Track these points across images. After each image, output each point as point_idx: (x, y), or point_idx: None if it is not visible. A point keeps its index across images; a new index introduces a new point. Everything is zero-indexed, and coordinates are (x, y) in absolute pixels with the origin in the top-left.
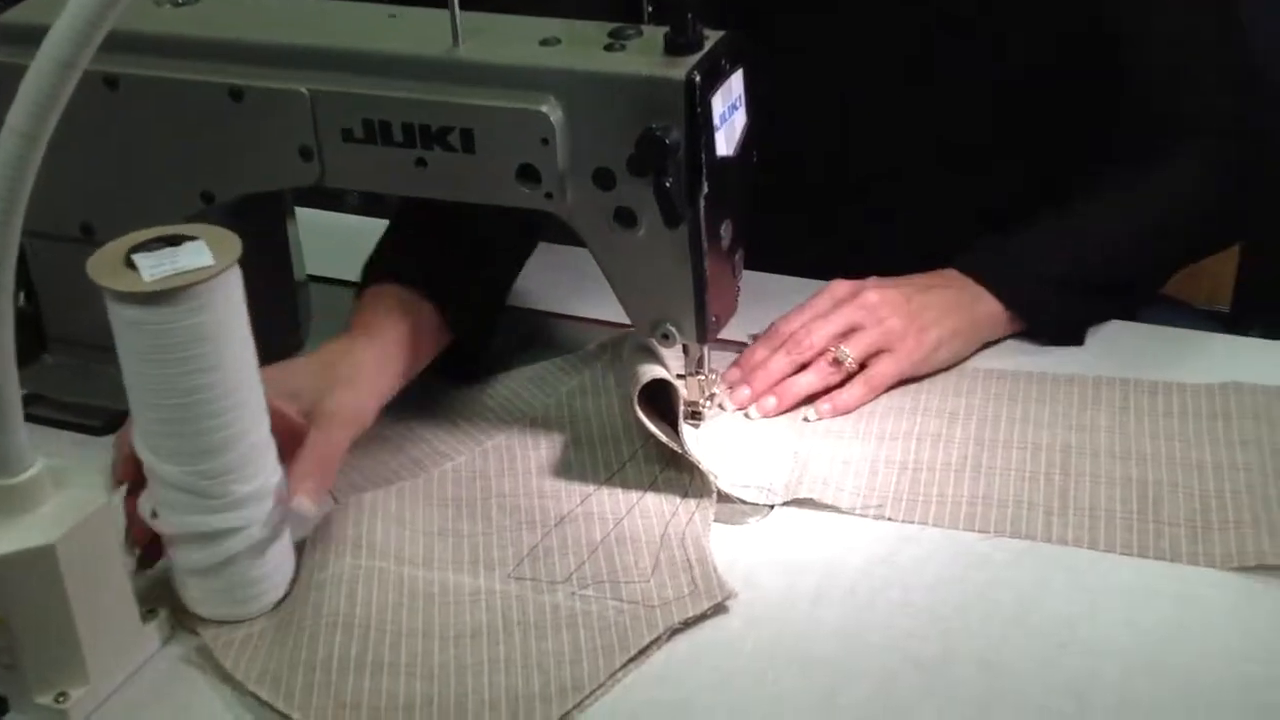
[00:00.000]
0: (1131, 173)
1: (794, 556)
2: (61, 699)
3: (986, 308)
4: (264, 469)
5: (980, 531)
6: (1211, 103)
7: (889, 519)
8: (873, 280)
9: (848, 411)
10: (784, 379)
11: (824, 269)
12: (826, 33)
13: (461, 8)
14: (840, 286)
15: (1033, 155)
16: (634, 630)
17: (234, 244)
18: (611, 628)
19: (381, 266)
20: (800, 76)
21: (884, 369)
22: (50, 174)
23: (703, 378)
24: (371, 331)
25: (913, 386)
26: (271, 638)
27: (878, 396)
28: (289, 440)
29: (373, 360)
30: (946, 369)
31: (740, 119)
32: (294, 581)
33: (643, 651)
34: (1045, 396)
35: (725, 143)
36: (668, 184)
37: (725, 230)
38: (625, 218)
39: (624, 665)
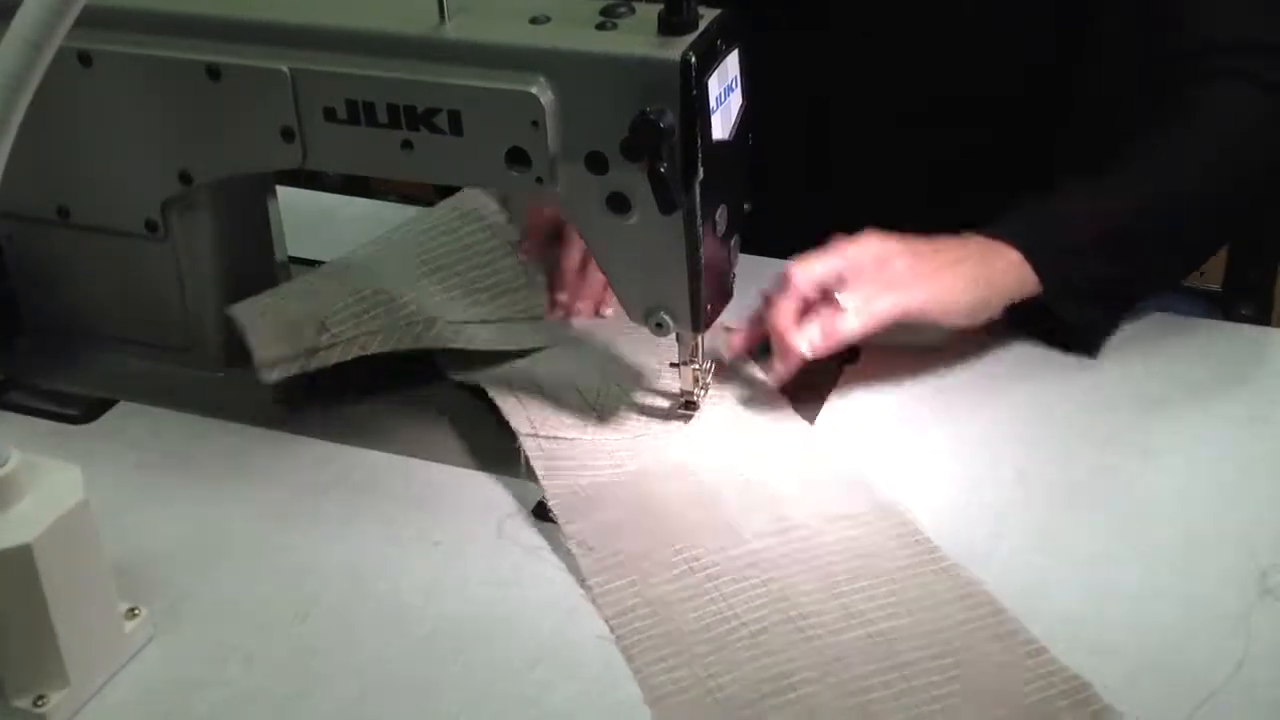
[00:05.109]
0: (1163, 122)
1: None
2: (40, 702)
3: (1006, 259)
4: None
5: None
6: (1247, 28)
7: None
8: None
9: (840, 341)
10: (786, 329)
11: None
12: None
13: None
14: (843, 239)
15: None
16: None
17: None
18: None
19: None
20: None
21: (883, 301)
22: (23, 155)
23: (697, 367)
24: None
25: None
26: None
27: (877, 329)
28: None
29: None
30: (967, 325)
31: (736, 101)
32: None
33: None
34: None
35: (721, 126)
36: (662, 169)
37: (720, 216)
38: (618, 203)
39: None
